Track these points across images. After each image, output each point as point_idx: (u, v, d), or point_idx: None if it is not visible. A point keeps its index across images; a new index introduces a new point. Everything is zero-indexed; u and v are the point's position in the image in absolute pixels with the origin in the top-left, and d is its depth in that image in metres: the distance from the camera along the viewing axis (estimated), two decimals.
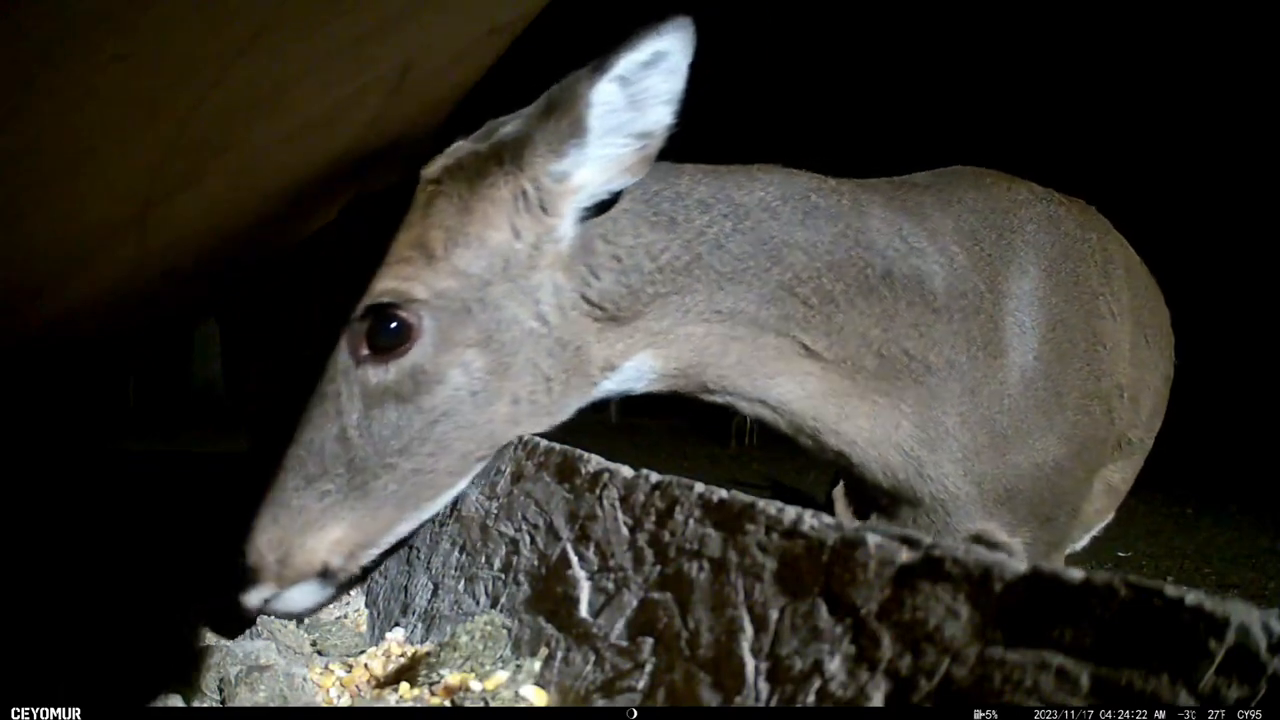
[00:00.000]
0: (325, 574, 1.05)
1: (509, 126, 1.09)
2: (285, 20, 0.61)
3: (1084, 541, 1.71)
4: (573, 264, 1.10)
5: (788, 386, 1.20)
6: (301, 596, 1.05)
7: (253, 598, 1.02)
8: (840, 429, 1.23)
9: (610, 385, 1.17)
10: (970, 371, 1.25)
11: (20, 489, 1.26)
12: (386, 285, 1.02)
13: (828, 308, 1.18)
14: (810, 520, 0.66)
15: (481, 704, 0.79)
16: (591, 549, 0.86)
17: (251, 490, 1.03)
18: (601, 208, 1.10)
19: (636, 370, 1.17)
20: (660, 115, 1.05)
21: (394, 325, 1.01)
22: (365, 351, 1.02)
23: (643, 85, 1.04)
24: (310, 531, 1.02)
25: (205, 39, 0.57)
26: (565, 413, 1.13)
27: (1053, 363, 1.31)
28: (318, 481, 1.02)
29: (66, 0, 0.45)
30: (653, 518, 0.80)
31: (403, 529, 1.08)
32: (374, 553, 1.08)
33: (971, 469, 1.27)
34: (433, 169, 1.08)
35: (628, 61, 1.02)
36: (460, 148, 1.11)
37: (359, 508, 1.04)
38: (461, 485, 1.09)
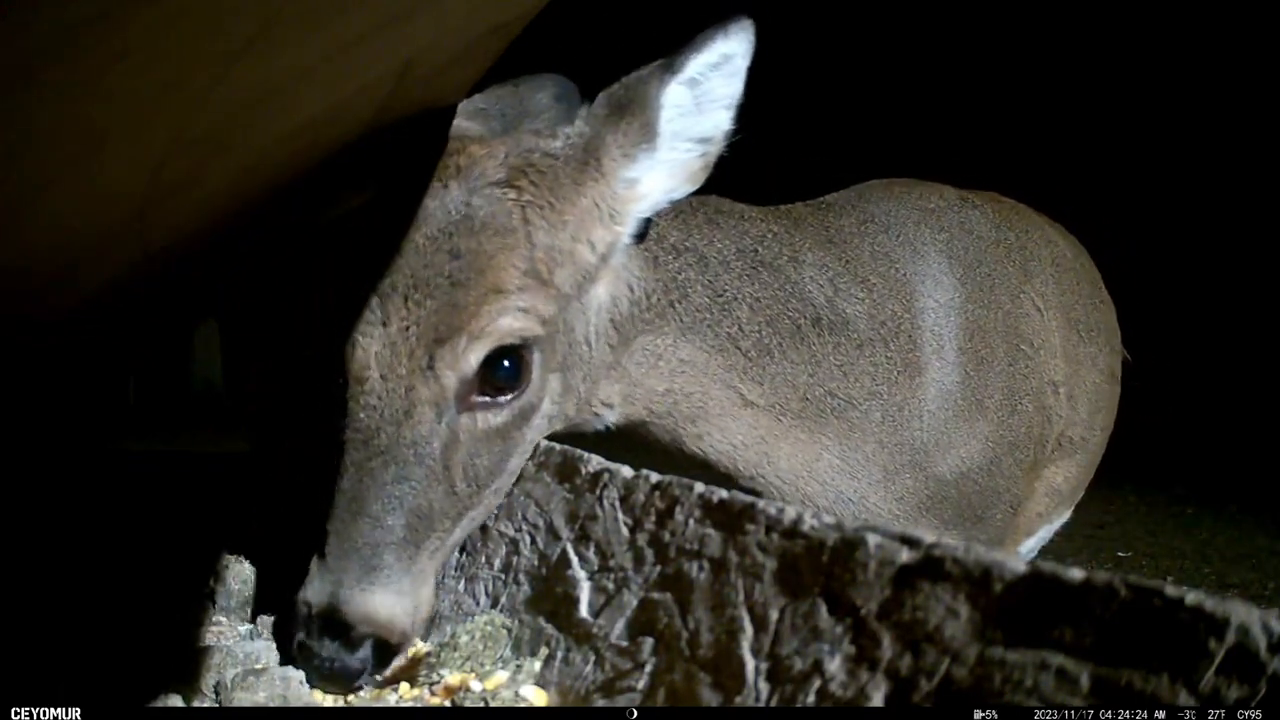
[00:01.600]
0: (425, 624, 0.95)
1: (567, 126, 1.03)
2: (285, 20, 0.61)
3: (1033, 549, 1.71)
4: (614, 283, 1.08)
5: (719, 437, 1.21)
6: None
7: (394, 668, 0.91)
8: (763, 471, 1.25)
9: (596, 423, 1.14)
10: (891, 397, 1.29)
11: (20, 489, 1.26)
12: (511, 324, 0.92)
13: (764, 359, 1.21)
14: (810, 520, 0.66)
15: (481, 704, 0.79)
16: (591, 549, 0.86)
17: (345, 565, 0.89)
18: (648, 223, 1.07)
19: (610, 413, 1.14)
20: (721, 120, 1.02)
21: (510, 365, 0.93)
22: (478, 397, 0.93)
23: (707, 88, 1.00)
24: (428, 588, 0.94)
25: (205, 38, 0.57)
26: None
27: (972, 370, 1.34)
28: (427, 543, 0.92)
29: (66, 0, 0.45)
30: (653, 518, 0.80)
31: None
32: None
33: (891, 488, 1.29)
34: (497, 171, 0.97)
35: (697, 63, 0.98)
36: (515, 144, 1.01)
37: (446, 549, 0.97)
38: None
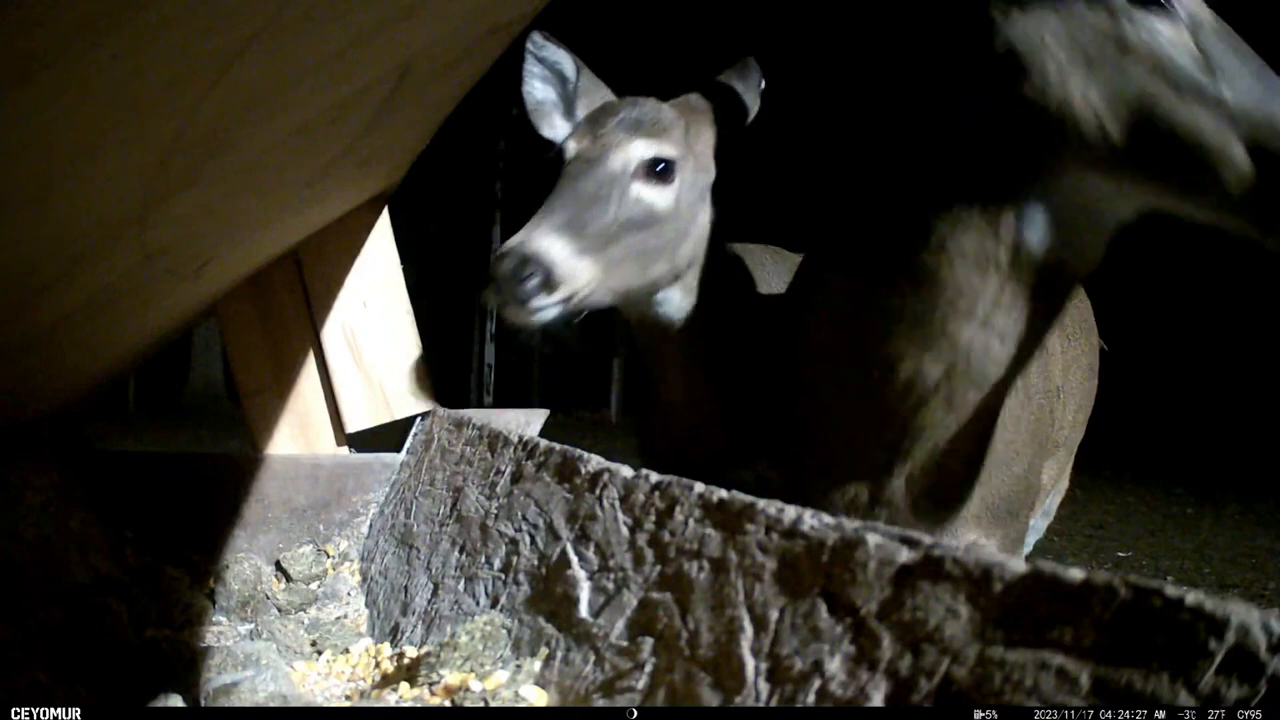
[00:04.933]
0: (568, 300, 1.27)
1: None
2: (285, 20, 0.61)
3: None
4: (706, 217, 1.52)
5: None
6: (558, 311, 1.27)
7: (547, 301, 1.23)
8: None
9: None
10: None
11: (20, 488, 1.26)
12: (665, 145, 1.39)
13: None
14: (810, 520, 0.66)
15: (481, 704, 0.79)
16: (591, 549, 0.86)
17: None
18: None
19: None
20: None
21: (663, 168, 1.38)
22: (647, 174, 1.37)
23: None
24: (588, 265, 1.28)
25: (205, 39, 0.57)
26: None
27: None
28: (595, 242, 1.30)
29: (66, 0, 0.44)
30: (653, 518, 0.80)
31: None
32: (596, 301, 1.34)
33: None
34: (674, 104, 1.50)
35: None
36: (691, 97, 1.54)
37: (604, 262, 1.33)
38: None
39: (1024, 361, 1.15)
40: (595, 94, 1.55)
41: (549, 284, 1.22)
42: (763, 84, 1.55)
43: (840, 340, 1.25)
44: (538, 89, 1.57)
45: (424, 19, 0.83)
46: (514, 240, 1.24)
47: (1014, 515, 1.36)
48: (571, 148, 1.40)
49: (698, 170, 1.45)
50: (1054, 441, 1.55)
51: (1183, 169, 0.93)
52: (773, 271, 1.75)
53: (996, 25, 1.03)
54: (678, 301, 1.49)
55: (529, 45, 1.55)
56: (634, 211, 1.35)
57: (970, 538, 1.31)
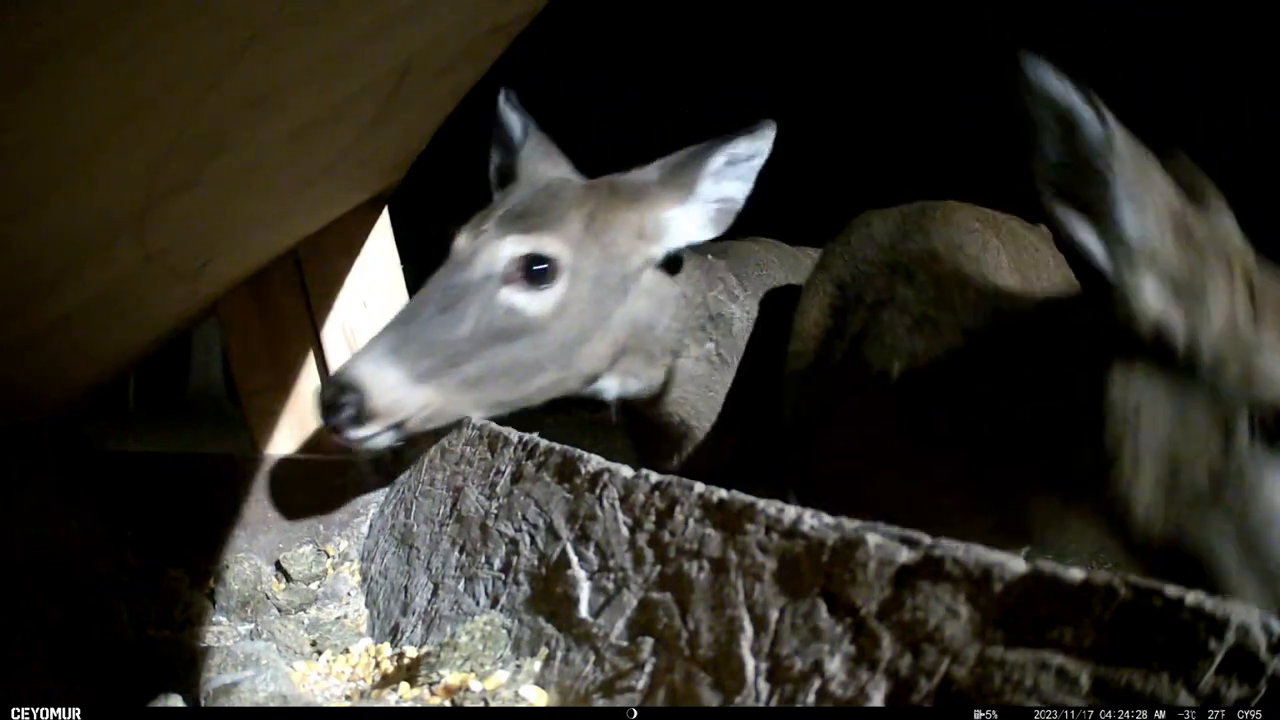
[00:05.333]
0: (401, 426, 1.20)
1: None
2: (285, 20, 0.61)
3: None
4: (647, 301, 1.39)
5: None
6: (384, 440, 1.21)
7: (365, 431, 1.18)
8: None
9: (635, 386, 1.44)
10: None
11: (20, 488, 1.26)
12: (549, 242, 1.24)
13: None
14: (810, 520, 0.66)
15: (481, 704, 0.79)
16: (591, 549, 0.86)
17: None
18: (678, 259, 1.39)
19: None
20: (739, 187, 1.35)
21: (542, 269, 1.23)
22: (517, 276, 1.23)
23: (735, 165, 1.34)
24: (421, 396, 1.19)
25: (205, 39, 0.57)
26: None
27: None
28: (442, 368, 1.19)
29: (66, 0, 0.44)
30: (653, 518, 0.80)
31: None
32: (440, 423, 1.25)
33: None
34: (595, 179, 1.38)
35: (732, 150, 1.33)
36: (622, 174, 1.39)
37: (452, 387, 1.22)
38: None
39: None
40: (538, 165, 1.43)
41: (360, 417, 1.15)
42: (766, 147, 1.35)
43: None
44: (493, 156, 1.51)
45: (424, 19, 0.83)
46: (343, 363, 1.20)
47: None
48: (454, 245, 1.28)
49: (607, 261, 1.29)
50: None
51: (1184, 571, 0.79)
52: (781, 274, 1.73)
53: (1097, 370, 0.87)
54: (619, 388, 1.39)
55: (498, 102, 1.48)
56: (499, 321, 1.21)
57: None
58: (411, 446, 1.31)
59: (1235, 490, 0.76)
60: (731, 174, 1.34)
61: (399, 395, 1.16)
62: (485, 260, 1.22)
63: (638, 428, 1.61)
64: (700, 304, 1.47)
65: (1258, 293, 0.82)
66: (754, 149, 1.34)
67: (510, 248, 1.22)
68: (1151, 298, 0.82)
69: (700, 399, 1.51)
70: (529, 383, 1.25)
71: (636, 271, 1.33)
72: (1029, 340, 0.98)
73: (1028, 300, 1.08)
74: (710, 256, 1.56)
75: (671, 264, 1.39)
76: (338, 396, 1.15)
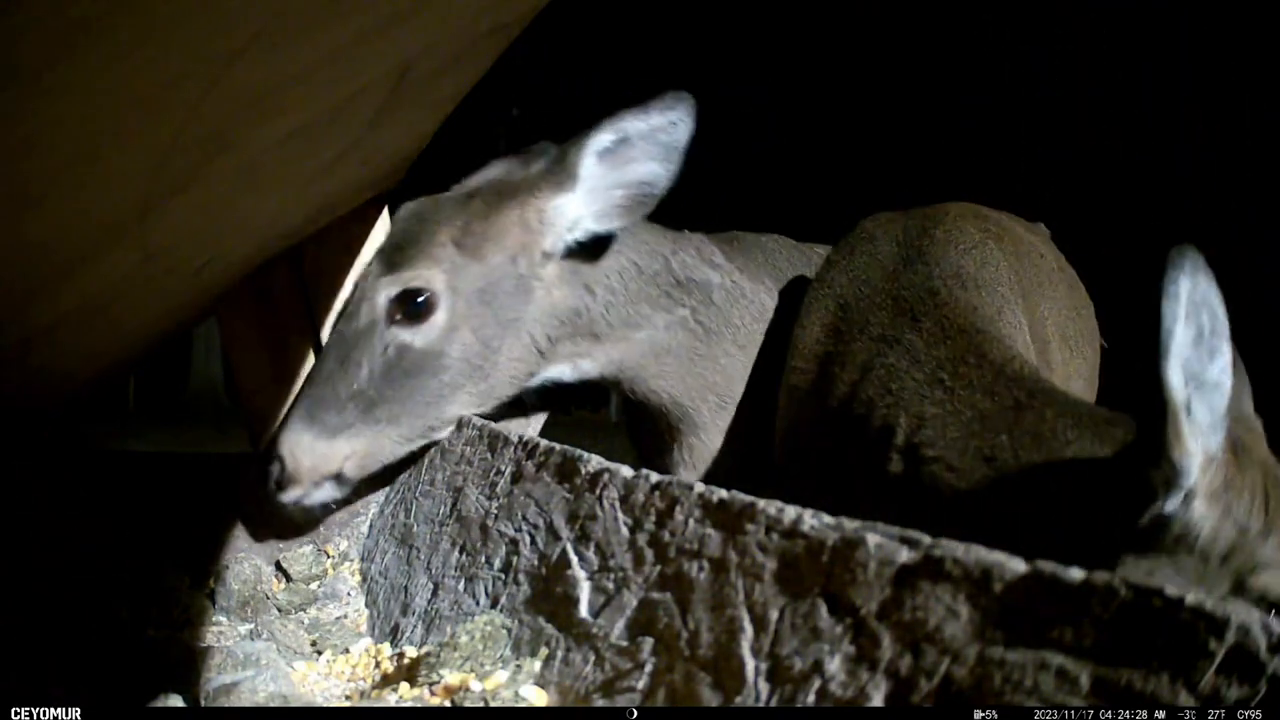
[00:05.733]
0: (339, 478, 1.25)
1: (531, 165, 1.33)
2: (285, 21, 0.61)
3: None
4: (566, 287, 1.35)
5: None
6: (321, 495, 1.26)
7: (290, 496, 1.24)
8: None
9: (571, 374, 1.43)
10: None
11: (20, 489, 1.26)
12: (418, 274, 1.24)
13: None
14: (810, 520, 0.66)
15: (481, 704, 0.79)
16: (591, 549, 0.86)
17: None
18: (598, 242, 1.33)
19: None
20: (652, 170, 1.27)
21: (419, 303, 1.23)
22: (399, 317, 1.24)
23: (641, 145, 1.27)
24: (339, 450, 1.24)
25: (205, 39, 0.57)
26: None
27: None
28: (354, 421, 1.24)
29: (66, 0, 0.44)
30: (653, 518, 0.80)
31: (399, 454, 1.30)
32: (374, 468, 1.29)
33: None
34: (468, 187, 1.33)
35: (622, 128, 1.26)
36: (494, 171, 1.35)
37: (368, 437, 1.26)
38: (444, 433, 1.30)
39: None
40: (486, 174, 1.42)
41: (283, 481, 1.23)
42: (678, 122, 1.27)
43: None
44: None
45: (424, 19, 0.83)
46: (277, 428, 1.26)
47: None
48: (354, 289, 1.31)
49: (491, 271, 1.26)
50: None
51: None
52: (794, 264, 1.70)
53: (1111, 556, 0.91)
54: (574, 372, 1.39)
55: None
56: (395, 360, 1.23)
57: None
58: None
59: None
60: (641, 154, 1.27)
61: (317, 453, 1.22)
62: (367, 308, 1.25)
63: (637, 429, 1.59)
64: (659, 270, 1.42)
65: (1272, 504, 0.88)
66: (656, 125, 1.26)
67: (384, 291, 1.24)
68: (1203, 507, 0.87)
69: (687, 374, 1.46)
70: (450, 404, 1.27)
71: (535, 268, 1.30)
72: (1047, 475, 0.99)
73: (1049, 404, 1.02)
74: (680, 231, 1.51)
75: (596, 246, 1.33)
76: (265, 467, 1.23)
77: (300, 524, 1.34)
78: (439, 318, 1.24)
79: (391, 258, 1.26)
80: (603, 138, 1.26)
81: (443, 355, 1.24)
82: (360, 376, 1.22)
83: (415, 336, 1.23)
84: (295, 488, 1.23)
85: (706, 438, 1.51)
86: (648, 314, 1.41)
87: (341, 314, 1.29)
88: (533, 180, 1.30)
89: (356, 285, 1.30)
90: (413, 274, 1.23)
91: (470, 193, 1.32)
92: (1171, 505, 0.86)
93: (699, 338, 1.46)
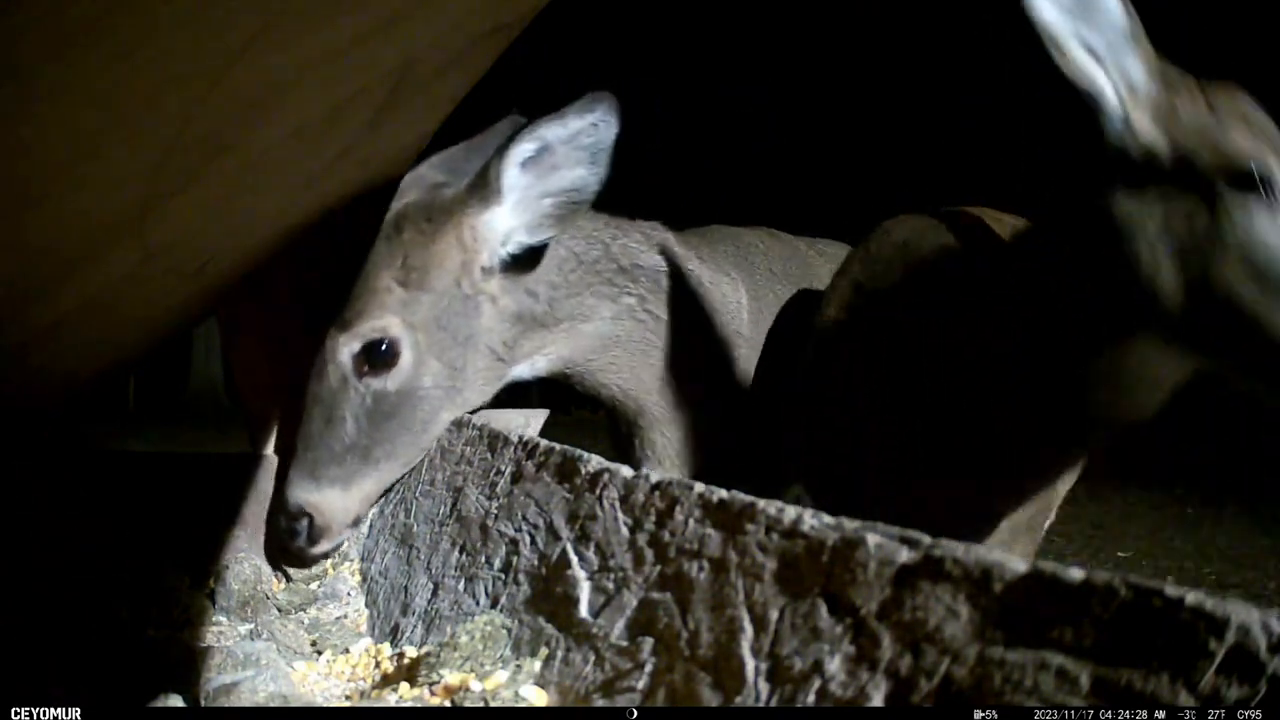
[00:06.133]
0: (357, 520, 1.31)
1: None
2: (285, 20, 0.61)
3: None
4: (510, 296, 1.36)
5: None
6: (345, 536, 1.31)
7: (326, 546, 1.28)
8: None
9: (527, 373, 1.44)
10: None
11: (20, 489, 1.26)
12: (375, 324, 1.25)
13: None
14: (810, 520, 0.66)
15: (481, 704, 0.79)
16: (591, 549, 0.86)
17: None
18: (533, 252, 1.32)
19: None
20: (580, 175, 1.26)
21: (384, 350, 1.25)
22: (368, 368, 1.26)
23: (563, 151, 1.25)
24: (354, 499, 1.28)
25: (205, 39, 0.57)
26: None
27: None
28: (357, 468, 1.27)
29: (66, 0, 0.44)
30: (653, 518, 0.80)
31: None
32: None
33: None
34: (395, 216, 1.30)
35: (541, 134, 1.24)
36: (420, 195, 1.32)
37: (378, 477, 1.30)
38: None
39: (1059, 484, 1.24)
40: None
41: (314, 535, 1.26)
42: (601, 123, 1.24)
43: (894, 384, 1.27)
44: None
45: (424, 19, 0.83)
46: (285, 489, 1.27)
47: (1034, 529, 1.37)
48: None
49: (440, 297, 1.27)
50: None
51: (1254, 358, 0.94)
52: (772, 257, 1.69)
53: (1102, 199, 1.03)
54: (530, 370, 1.40)
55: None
56: (375, 408, 1.26)
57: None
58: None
59: (1229, 237, 0.94)
60: (565, 160, 1.25)
61: (340, 506, 1.27)
62: (333, 367, 1.27)
63: (612, 429, 1.58)
64: (599, 257, 1.41)
65: (1210, 98, 1.02)
66: (575, 129, 1.24)
67: (344, 348, 1.26)
68: (1146, 125, 1.01)
69: (639, 365, 1.45)
70: (435, 427, 1.29)
71: (478, 285, 1.30)
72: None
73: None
74: (630, 219, 1.50)
75: (534, 254, 1.33)
76: (293, 523, 1.26)
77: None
78: (405, 358, 1.26)
79: (345, 316, 1.27)
80: (523, 148, 1.25)
81: (417, 389, 1.27)
82: (349, 431, 1.25)
83: (388, 382, 1.26)
84: (328, 540, 1.27)
85: (670, 432, 1.50)
86: (593, 304, 1.40)
87: (311, 374, 1.30)
88: (460, 199, 1.29)
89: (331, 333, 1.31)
90: (368, 325, 1.25)
91: (398, 222, 1.30)
92: (1112, 130, 1.01)
93: (649, 328, 1.44)
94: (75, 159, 0.65)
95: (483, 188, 1.28)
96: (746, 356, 1.55)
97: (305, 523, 1.26)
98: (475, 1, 0.92)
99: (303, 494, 1.26)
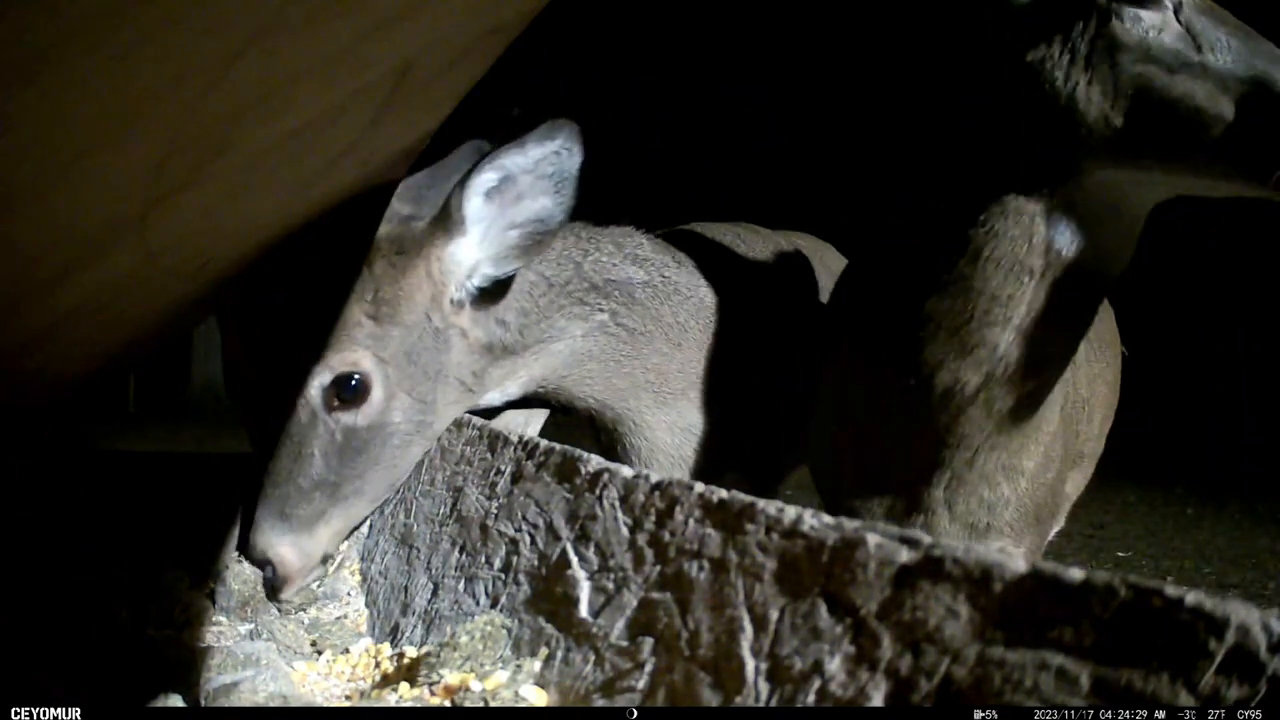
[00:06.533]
0: (325, 559, 1.29)
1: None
2: (285, 20, 0.61)
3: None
4: (480, 326, 1.35)
5: None
6: (313, 576, 1.29)
7: (289, 594, 1.25)
8: None
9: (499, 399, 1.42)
10: None
11: (20, 489, 1.26)
12: (345, 358, 1.24)
13: None
14: (810, 520, 0.66)
15: (481, 704, 0.79)
16: (591, 549, 0.86)
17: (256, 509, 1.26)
18: (499, 284, 1.30)
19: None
20: (545, 205, 1.24)
21: (354, 385, 1.23)
22: (338, 404, 1.24)
23: (526, 181, 1.23)
24: (320, 541, 1.26)
25: (205, 39, 0.57)
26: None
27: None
28: (327, 508, 1.25)
29: (66, 0, 0.44)
30: (653, 518, 0.80)
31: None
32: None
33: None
34: (371, 251, 1.27)
35: (503, 164, 1.22)
36: (392, 229, 1.29)
37: (349, 514, 1.29)
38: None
39: (1062, 366, 1.18)
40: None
41: (278, 584, 1.23)
42: (563, 151, 1.22)
43: (876, 348, 1.25)
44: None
45: (424, 19, 0.83)
46: (251, 533, 1.24)
47: (1041, 524, 1.37)
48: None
49: (410, 331, 1.26)
50: (1078, 453, 1.55)
51: (1181, 137, 1.00)
52: (749, 253, 1.69)
53: (1007, 41, 1.12)
54: (501, 396, 1.38)
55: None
56: (345, 443, 1.24)
57: (999, 544, 1.31)
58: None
59: (1127, 38, 1.03)
60: (529, 190, 1.23)
61: (302, 549, 1.24)
62: (303, 400, 1.24)
63: (594, 437, 1.57)
64: (570, 278, 1.39)
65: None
66: (536, 157, 1.21)
67: (315, 381, 1.24)
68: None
69: (614, 376, 1.44)
70: (405, 461, 1.28)
71: (448, 318, 1.29)
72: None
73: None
74: (587, 226, 1.48)
75: (501, 286, 1.31)
76: (259, 568, 1.24)
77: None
78: (376, 393, 1.24)
79: (314, 348, 1.25)
80: (485, 177, 1.22)
81: (387, 424, 1.25)
82: (317, 466, 1.23)
83: (358, 417, 1.24)
84: (290, 586, 1.25)
85: (651, 436, 1.49)
86: (563, 326, 1.39)
87: (278, 410, 1.27)
88: (427, 232, 1.27)
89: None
90: (339, 359, 1.23)
91: (370, 255, 1.28)
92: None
93: (623, 340, 1.43)
94: (75, 159, 0.65)
95: (446, 220, 1.26)
96: (724, 359, 1.55)
97: (270, 570, 1.24)
98: (475, 1, 0.92)
99: (266, 541, 1.23)
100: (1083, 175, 1.07)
